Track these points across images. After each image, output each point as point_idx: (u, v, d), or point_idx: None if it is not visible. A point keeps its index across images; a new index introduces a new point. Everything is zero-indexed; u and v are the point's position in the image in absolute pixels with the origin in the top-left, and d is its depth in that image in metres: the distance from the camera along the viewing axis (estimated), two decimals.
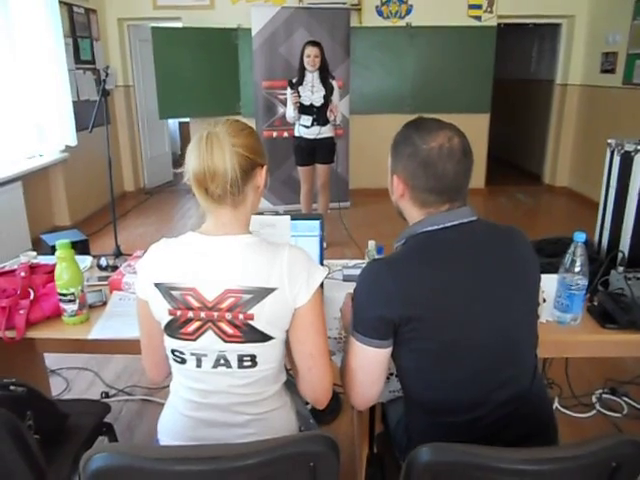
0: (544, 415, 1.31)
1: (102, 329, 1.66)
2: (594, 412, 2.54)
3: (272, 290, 1.16)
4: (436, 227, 1.22)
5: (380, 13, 6.45)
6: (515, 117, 8.59)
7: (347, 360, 1.29)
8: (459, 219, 1.22)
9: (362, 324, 1.22)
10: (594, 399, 2.61)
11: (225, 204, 1.18)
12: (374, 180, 6.42)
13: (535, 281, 1.30)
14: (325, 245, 4.76)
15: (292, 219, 1.76)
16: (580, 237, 1.56)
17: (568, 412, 2.52)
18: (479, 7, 6.43)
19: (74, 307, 1.66)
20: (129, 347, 1.55)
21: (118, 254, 4.10)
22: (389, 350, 1.23)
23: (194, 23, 6.31)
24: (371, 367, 1.25)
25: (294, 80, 4.51)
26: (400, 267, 1.19)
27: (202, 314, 1.17)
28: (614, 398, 2.62)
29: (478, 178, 6.97)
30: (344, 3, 6.07)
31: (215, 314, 1.16)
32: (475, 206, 1.27)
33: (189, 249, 1.20)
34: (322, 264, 1.92)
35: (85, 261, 2.16)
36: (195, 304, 1.17)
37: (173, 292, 1.17)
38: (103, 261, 2.13)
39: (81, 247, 3.64)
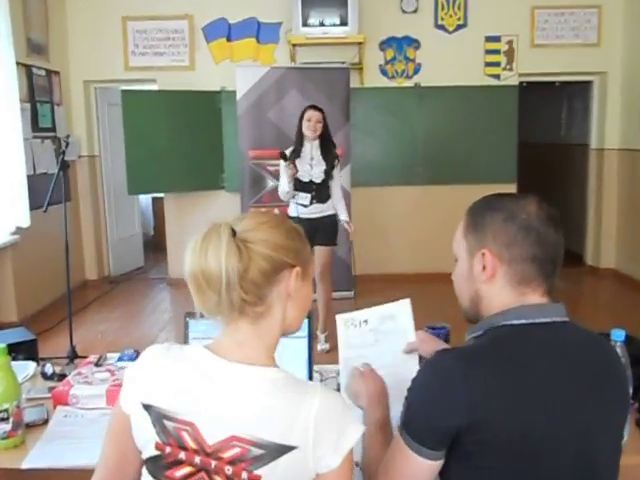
0: None
1: (40, 455, 1.61)
2: None
3: (291, 449, 1.05)
4: (524, 321, 1.19)
5: (384, 73, 6.74)
6: (547, 187, 8.70)
7: (384, 465, 1.23)
8: (553, 317, 1.20)
9: (413, 425, 1.18)
10: None
11: (243, 314, 1.13)
12: (382, 265, 6.43)
13: (625, 401, 1.28)
14: (328, 347, 4.71)
15: None
16: (619, 336, 1.55)
17: None
18: (497, 64, 6.72)
19: (6, 427, 1.62)
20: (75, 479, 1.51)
21: (73, 356, 4.06)
22: (439, 464, 1.18)
23: (171, 85, 6.58)
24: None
25: (288, 151, 4.54)
26: (478, 363, 1.15)
27: (197, 459, 1.08)
28: None
29: None
30: (343, 62, 6.35)
31: (213, 463, 1.07)
32: None
33: (194, 369, 1.12)
34: (311, 369, 1.90)
35: (27, 368, 2.14)
36: (190, 444, 1.08)
37: (166, 422, 1.09)
38: (48, 368, 2.12)
39: (27, 349, 3.57)
